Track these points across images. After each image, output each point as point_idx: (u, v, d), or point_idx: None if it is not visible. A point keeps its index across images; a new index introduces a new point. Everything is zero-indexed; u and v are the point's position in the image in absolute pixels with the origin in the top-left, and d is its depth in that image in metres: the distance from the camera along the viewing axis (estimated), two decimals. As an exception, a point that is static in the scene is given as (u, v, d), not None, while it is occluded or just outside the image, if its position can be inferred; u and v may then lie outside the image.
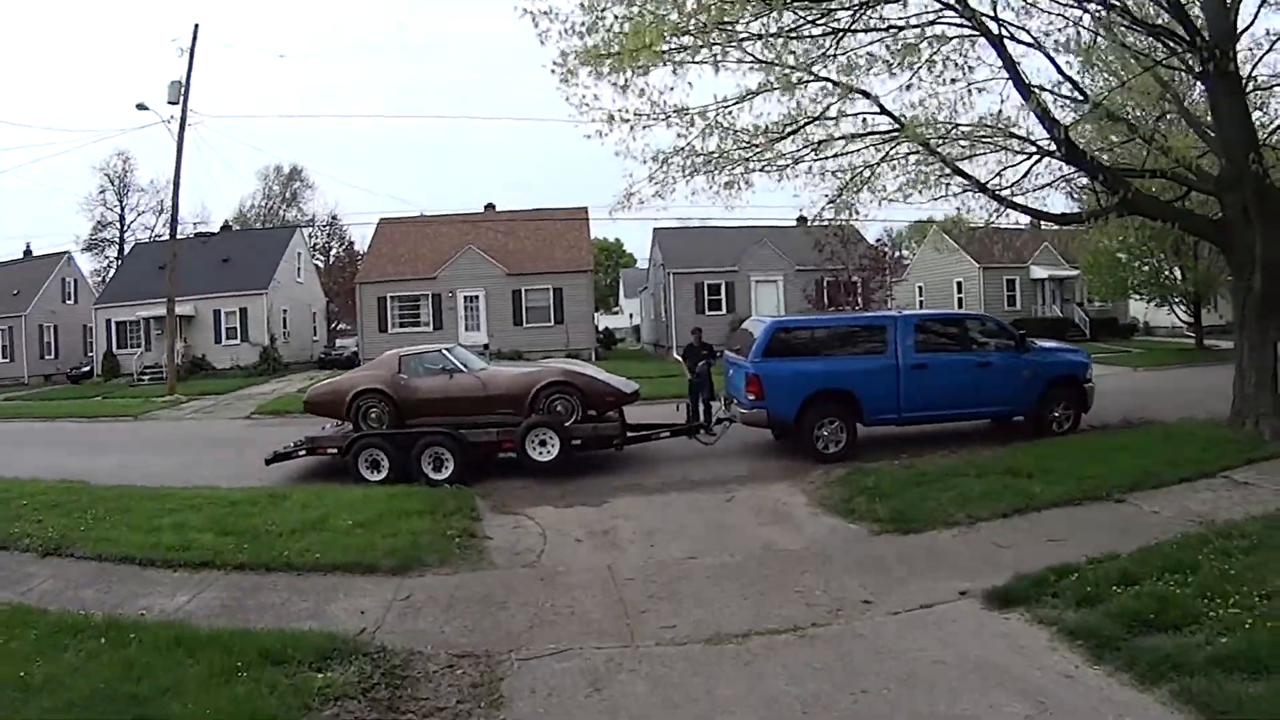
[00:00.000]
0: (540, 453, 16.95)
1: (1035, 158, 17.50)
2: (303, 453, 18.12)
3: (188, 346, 51.22)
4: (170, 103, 39.29)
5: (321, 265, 74.24)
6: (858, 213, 19.16)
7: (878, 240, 47.02)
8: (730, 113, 16.53)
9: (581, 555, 11.82)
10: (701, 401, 20.88)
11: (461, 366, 18.29)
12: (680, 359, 23.76)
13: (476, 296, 48.94)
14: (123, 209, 78.78)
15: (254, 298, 52.50)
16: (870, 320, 19.49)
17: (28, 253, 64.08)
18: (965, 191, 17.75)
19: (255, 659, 7.83)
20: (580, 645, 8.46)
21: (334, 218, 78.97)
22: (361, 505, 13.63)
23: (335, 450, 17.62)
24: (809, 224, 20.39)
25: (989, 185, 17.61)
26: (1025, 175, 17.91)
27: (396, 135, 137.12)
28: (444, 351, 18.78)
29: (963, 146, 17.36)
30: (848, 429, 17.30)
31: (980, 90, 15.95)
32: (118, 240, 77.17)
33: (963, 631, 8.38)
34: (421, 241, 52.19)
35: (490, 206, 55.63)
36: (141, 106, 39.51)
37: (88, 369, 54.88)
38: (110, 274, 68.52)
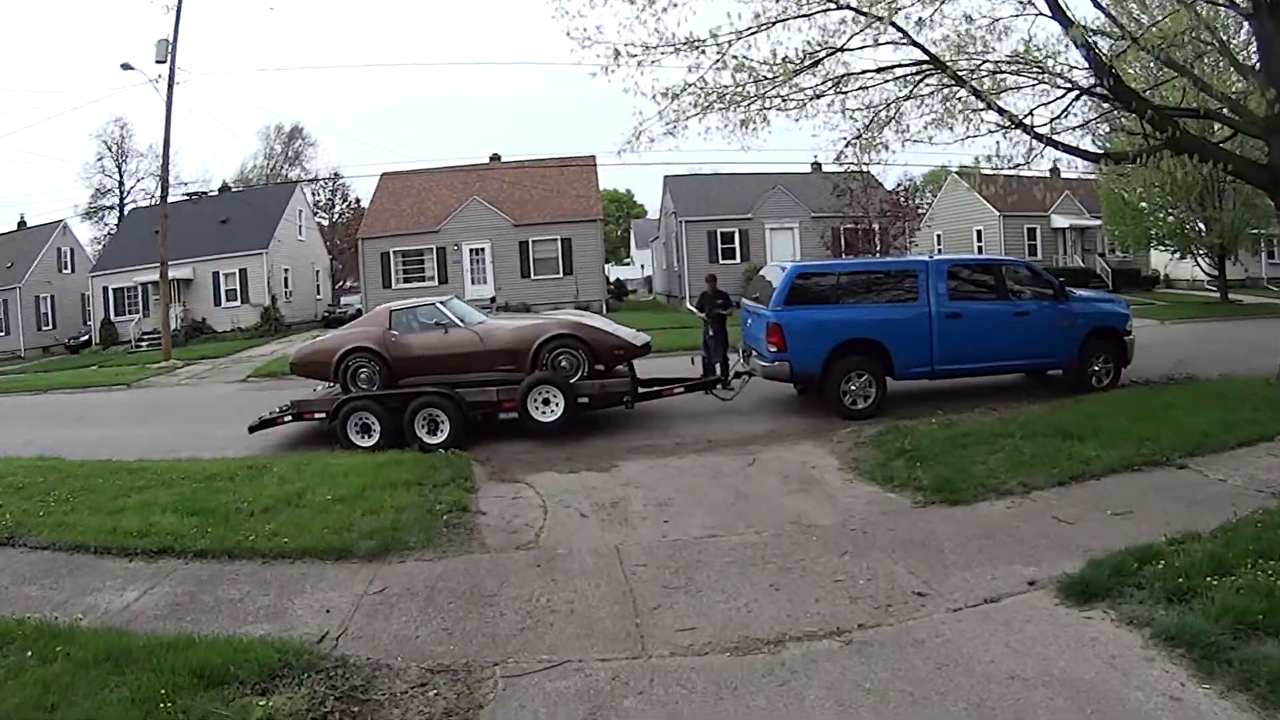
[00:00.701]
0: (544, 412, 15.66)
1: (1074, 94, 16.02)
2: (288, 419, 16.94)
3: (187, 310, 50.69)
4: (158, 61, 38.25)
5: (326, 223, 73.13)
6: (883, 151, 17.61)
7: (897, 186, 45.04)
8: (746, 44, 15.21)
9: (586, 533, 10.41)
10: (717, 354, 19.57)
11: (457, 320, 16.87)
12: (694, 309, 22.20)
13: (482, 249, 47.69)
14: (121, 175, 77.38)
15: (253, 258, 51.46)
16: (900, 265, 18.09)
17: (22, 224, 62.74)
18: (999, 130, 16.19)
19: (189, 681, 6.47)
20: (580, 657, 7.01)
21: (336, 174, 77.84)
22: (345, 476, 12.50)
23: (323, 415, 16.43)
24: (836, 162, 18.97)
25: (1025, 122, 16.03)
26: (1062, 114, 16.48)
27: (399, 91, 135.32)
28: (438, 305, 17.33)
29: (995, 81, 15.82)
30: (877, 383, 16.04)
31: (1006, 29, 14.64)
32: (117, 207, 75.79)
33: (1040, 635, 6.91)
34: (425, 194, 50.85)
35: (495, 158, 53.90)
36: (126, 66, 38.12)
37: (86, 338, 54.32)
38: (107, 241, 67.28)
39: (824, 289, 16.52)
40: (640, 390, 16.89)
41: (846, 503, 10.92)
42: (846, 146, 17.30)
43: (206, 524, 10.67)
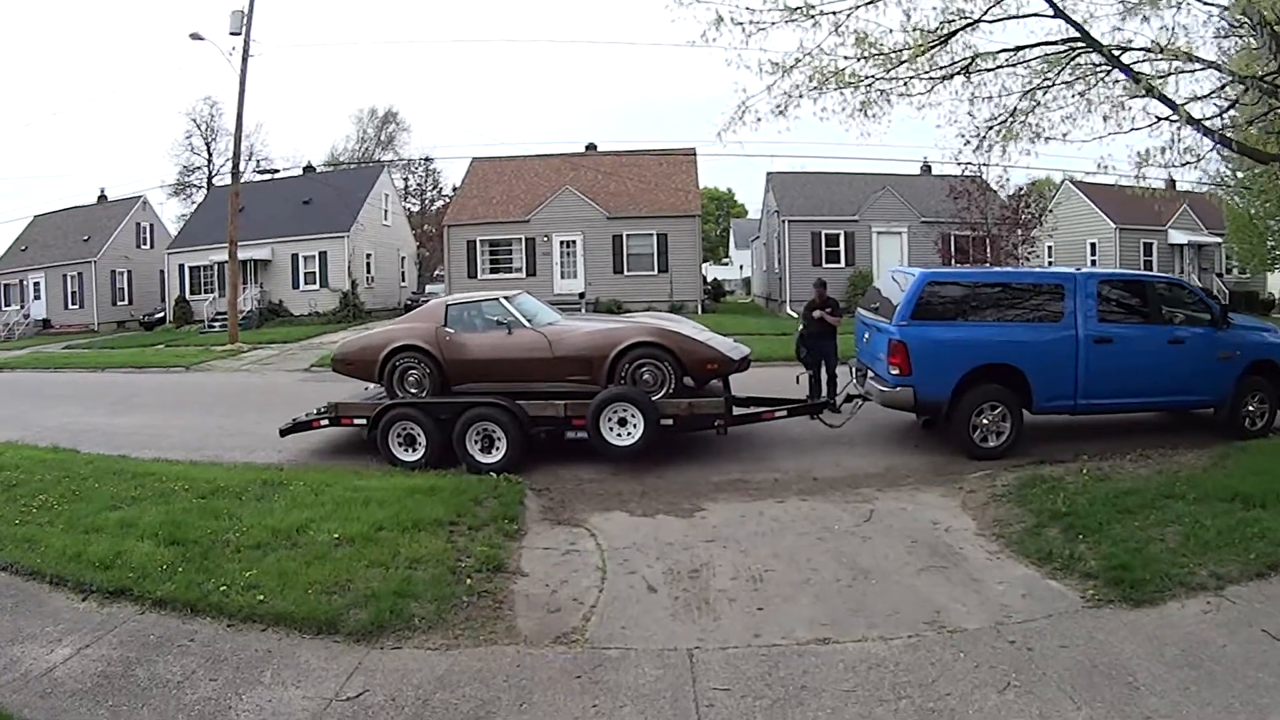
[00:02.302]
0: (619, 434, 13.26)
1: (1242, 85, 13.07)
2: (324, 422, 14.81)
3: (263, 291, 49.42)
4: (233, 33, 36.62)
5: (416, 209, 71.96)
6: (1016, 144, 14.94)
7: (1018, 189, 42.02)
8: (867, 12, 12.73)
9: (651, 618, 7.88)
10: (826, 371, 16.92)
11: (523, 320, 14.48)
12: (800, 316, 19.44)
13: (574, 241, 45.22)
14: (210, 153, 77.07)
15: (334, 241, 49.65)
16: (1044, 278, 15.21)
17: (103, 197, 62.21)
18: (1159, 122, 13.37)
19: None
20: None
21: (427, 158, 76.77)
22: (364, 506, 10.48)
23: (363, 421, 14.26)
24: (954, 161, 16.41)
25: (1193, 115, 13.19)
26: (1230, 107, 13.67)
27: (494, 74, 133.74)
28: (502, 300, 14.92)
29: (1154, 67, 13.03)
30: (1012, 417, 13.42)
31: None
32: (205, 185, 75.38)
33: None
34: (516, 182, 48.80)
35: (591, 147, 51.85)
36: (196, 36, 36.53)
37: (161, 315, 53.64)
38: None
39: (957, 302, 13.87)
40: (735, 413, 14.33)
41: (996, 592, 8.26)
42: (973, 142, 14.61)
43: (181, 559, 8.90)
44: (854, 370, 15.70)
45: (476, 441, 13.35)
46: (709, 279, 59.90)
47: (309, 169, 59.60)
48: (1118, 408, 14.25)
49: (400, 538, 9.44)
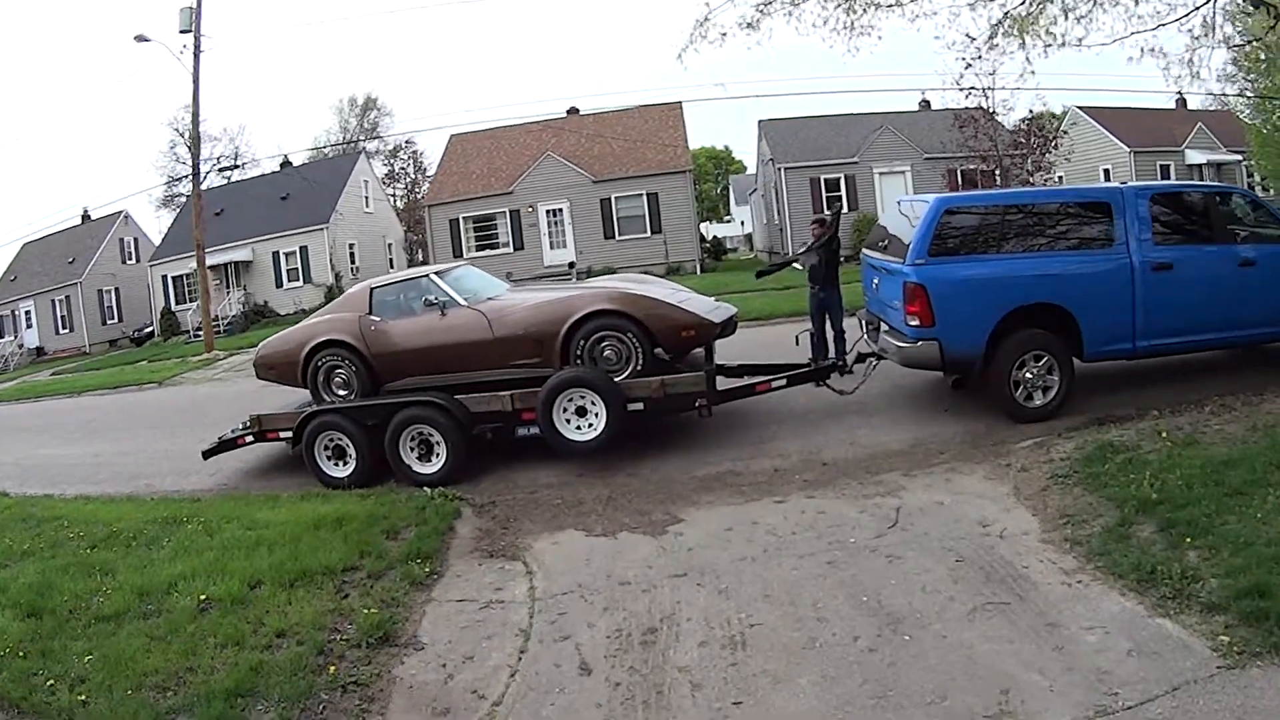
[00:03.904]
0: (578, 427, 10.89)
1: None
2: (249, 439, 12.68)
3: (247, 294, 48.08)
4: (182, 31, 35.45)
5: (402, 193, 70.07)
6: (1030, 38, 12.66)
7: (1028, 113, 39.51)
8: None
9: (579, 720, 5.49)
10: (831, 326, 14.15)
11: (458, 298, 12.03)
12: (800, 267, 16.58)
13: (560, 209, 43.07)
14: (196, 161, 74.52)
15: (314, 234, 47.98)
16: (1086, 195, 12.64)
17: (86, 217, 60.37)
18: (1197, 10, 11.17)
19: None
20: None
21: (407, 142, 74.70)
22: (254, 550, 8.66)
23: (288, 434, 12.07)
24: (957, 85, 13.98)
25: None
26: None
27: (469, 47, 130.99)
28: (432, 277, 12.48)
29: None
30: (1061, 368, 10.86)
31: None
32: (193, 194, 73.61)
33: None
34: (496, 155, 46.53)
35: (573, 111, 49.41)
36: (141, 39, 35.23)
37: (150, 330, 51.96)
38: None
39: (982, 232, 11.26)
40: (722, 388, 11.79)
41: (1088, 647, 5.60)
42: (979, 52, 12.16)
43: (31, 638, 7.35)
44: (864, 324, 13.09)
45: (412, 448, 11.31)
46: (708, 237, 58.19)
47: (286, 164, 57.55)
48: (1185, 347, 11.60)
49: (276, 597, 7.54)
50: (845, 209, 40.89)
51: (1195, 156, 47.54)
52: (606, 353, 11.09)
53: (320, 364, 12.21)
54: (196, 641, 6.84)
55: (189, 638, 6.90)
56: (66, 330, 55.48)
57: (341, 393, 12.13)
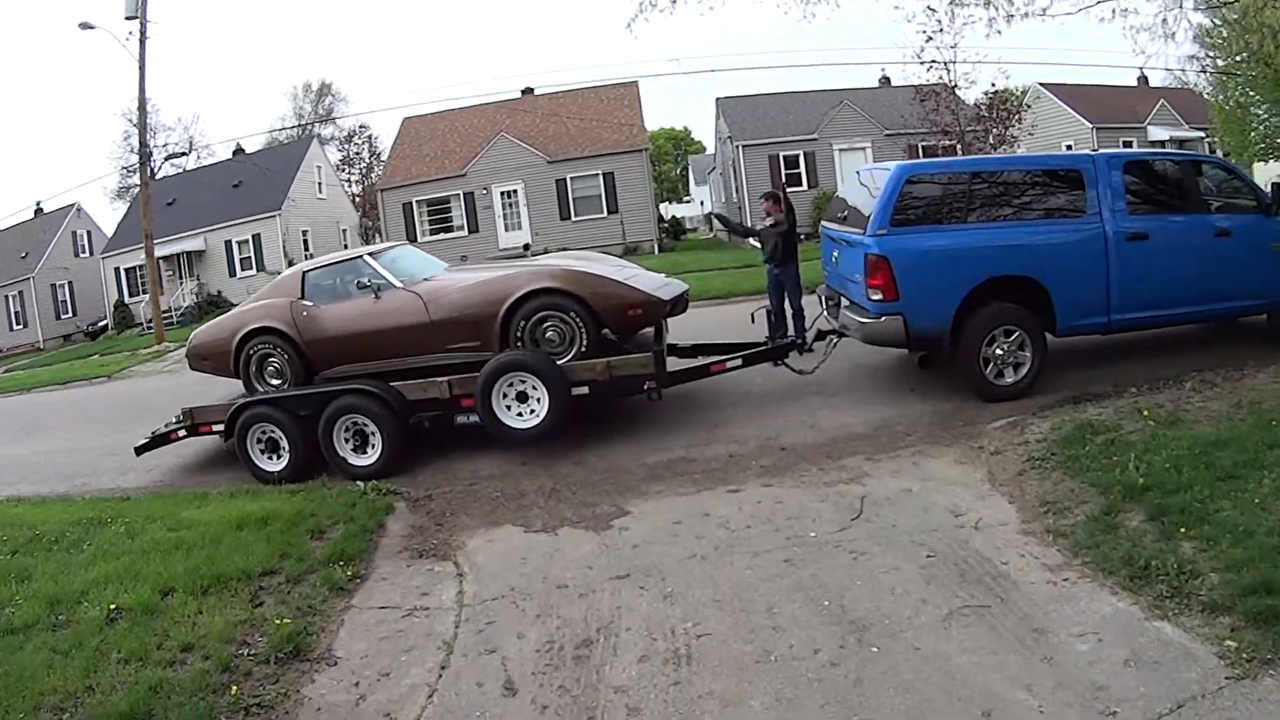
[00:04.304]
0: (519, 413, 10.23)
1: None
2: (182, 433, 11.86)
3: (200, 284, 47.43)
4: (128, 18, 34.07)
5: (359, 178, 70.17)
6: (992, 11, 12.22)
7: (991, 87, 39.08)
8: None
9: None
10: (789, 303, 13.64)
11: (394, 280, 11.30)
12: (755, 244, 16.02)
13: (515, 191, 42.43)
14: (150, 151, 73.25)
15: (266, 221, 47.18)
16: (1057, 162, 12.12)
17: (39, 211, 59.10)
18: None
19: None
20: None
21: (362, 127, 74.09)
22: (168, 556, 7.97)
23: (220, 427, 11.35)
24: (918, 58, 13.46)
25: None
26: None
27: (426, 31, 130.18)
28: (366, 258, 11.74)
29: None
30: (1033, 344, 10.29)
31: None
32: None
33: None
34: (450, 137, 45.76)
35: (528, 91, 48.52)
36: (85, 25, 33.94)
37: (105, 323, 51.05)
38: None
39: (947, 201, 10.62)
40: (673, 369, 11.09)
41: (1078, 657, 4.96)
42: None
43: None
44: (823, 299, 12.43)
45: (347, 440, 10.59)
46: (667, 217, 57.82)
47: (239, 151, 56.60)
48: (1161, 320, 11.09)
49: (187, 606, 6.90)
50: (805, 187, 41.08)
51: (1157, 133, 47.36)
52: (549, 334, 10.42)
53: (252, 353, 11.54)
54: (100, 657, 6.25)
55: (93, 653, 6.31)
56: (20, 326, 54.52)
57: (275, 382, 11.48)
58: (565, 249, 34.88)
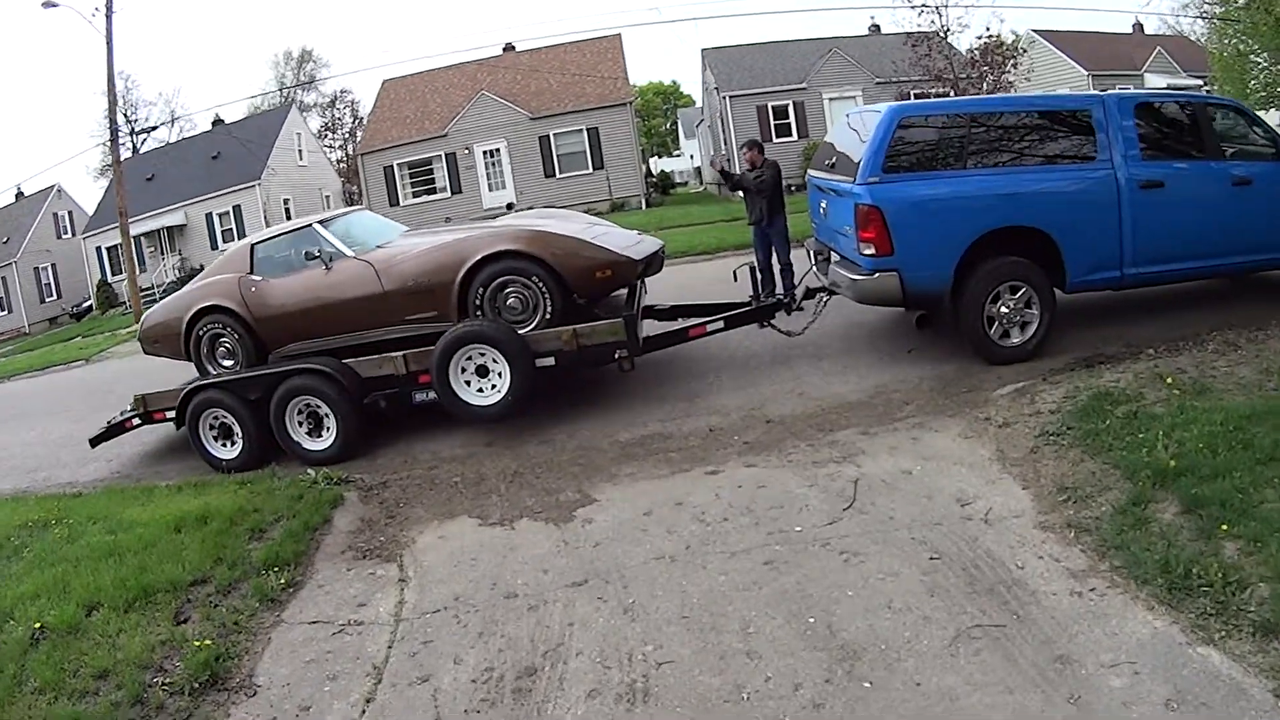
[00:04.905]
0: (479, 389, 9.43)
1: None
2: (136, 421, 11.23)
3: (183, 259, 46.11)
4: None
5: (341, 143, 69.83)
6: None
7: (985, 32, 38.29)
8: None
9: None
10: (777, 259, 12.88)
11: (345, 249, 10.45)
12: (743, 195, 15.03)
13: (497, 149, 41.50)
14: (132, 128, 71.36)
15: (246, 191, 46.10)
16: (1063, 103, 11.06)
17: (20, 195, 58.24)
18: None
19: None
20: None
21: (344, 91, 73.76)
22: (99, 564, 7.28)
23: (173, 414, 10.69)
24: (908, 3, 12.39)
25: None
26: None
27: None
28: (316, 227, 10.86)
29: None
30: (1041, 301, 9.41)
31: None
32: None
33: None
34: (430, 98, 44.84)
35: (510, 48, 47.53)
36: (48, 3, 33.07)
37: (89, 304, 50.16)
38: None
39: (944, 145, 9.72)
40: (646, 338, 10.21)
41: (1111, 692, 4.13)
42: None
43: None
44: (812, 254, 11.55)
45: (301, 423, 9.90)
46: (655, 171, 57.14)
47: (218, 122, 55.65)
48: (1176, 275, 10.20)
49: (110, 624, 6.24)
50: (795, 137, 40.63)
51: (1155, 80, 46.40)
52: (510, 301, 9.56)
53: (202, 334, 10.78)
54: (16, 687, 5.64)
55: (10, 682, 5.68)
56: (4, 312, 53.74)
57: (227, 363, 10.74)
58: (551, 206, 34.25)
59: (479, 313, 9.55)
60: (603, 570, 5.95)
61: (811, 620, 4.97)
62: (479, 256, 9.50)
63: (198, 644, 5.68)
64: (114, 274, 47.81)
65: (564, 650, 5.07)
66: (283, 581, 6.52)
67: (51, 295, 55.05)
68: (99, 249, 48.81)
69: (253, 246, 11.03)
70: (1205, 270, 10.27)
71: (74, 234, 55.78)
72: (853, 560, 5.56)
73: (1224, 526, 5.08)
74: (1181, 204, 9.58)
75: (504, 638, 5.32)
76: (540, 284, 9.42)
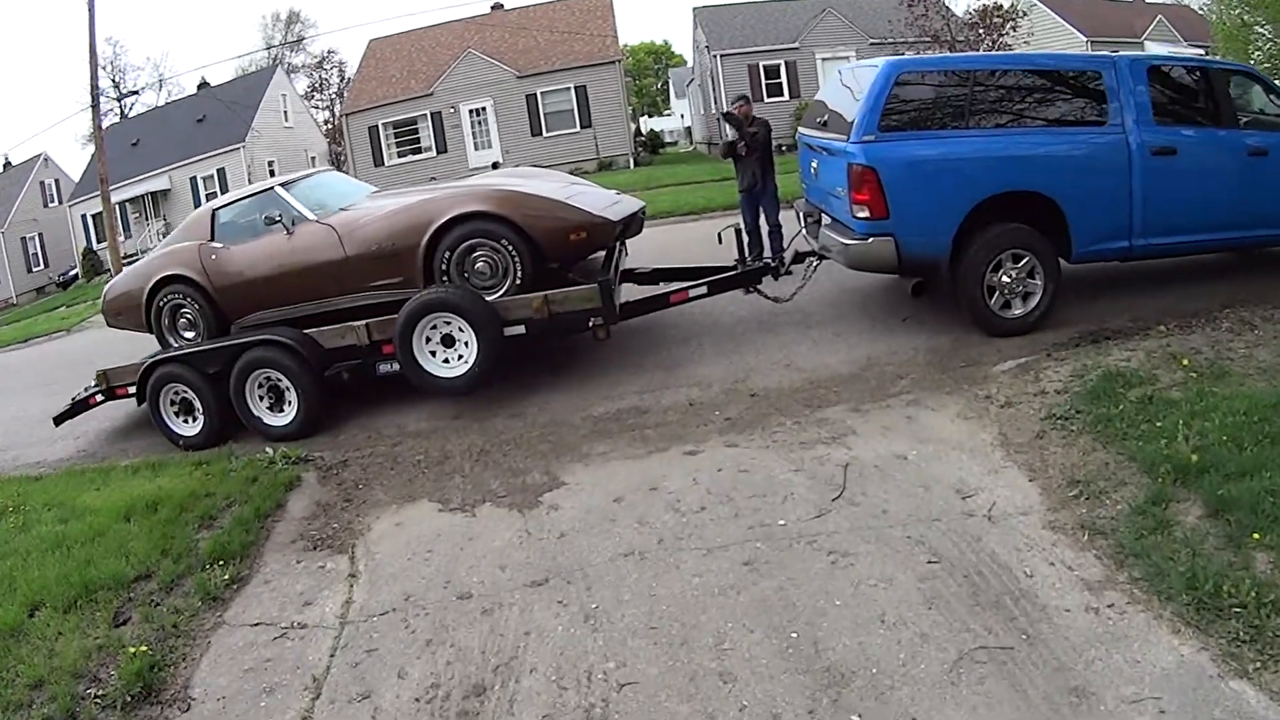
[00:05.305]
0: (445, 359, 8.95)
1: None
2: (100, 398, 10.85)
3: (167, 224, 45.19)
4: None
5: (327, 104, 69.59)
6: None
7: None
8: None
9: None
10: (765, 221, 12.36)
11: (307, 212, 9.89)
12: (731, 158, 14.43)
13: (484, 108, 40.94)
14: (120, 93, 71.48)
15: (230, 154, 45.84)
16: (1072, 63, 10.45)
17: (7, 165, 58.07)
18: None
19: None
20: None
21: (331, 52, 73.50)
22: (46, 558, 6.82)
23: (134, 389, 10.20)
24: None
25: None
26: None
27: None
28: (278, 190, 10.30)
29: None
30: (1045, 271, 8.93)
31: None
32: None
33: None
34: (417, 56, 44.20)
35: (498, 6, 46.97)
36: None
37: (75, 272, 49.72)
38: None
39: (943, 104, 9.16)
40: (623, 304, 9.68)
41: None
42: None
43: None
44: (802, 216, 10.97)
45: (261, 397, 9.44)
46: (644, 130, 56.64)
47: (203, 85, 55.17)
48: (1187, 247, 9.72)
49: (50, 626, 5.82)
50: (787, 97, 40.22)
51: (1155, 49, 44.82)
52: (479, 265, 9.03)
53: (163, 304, 10.34)
54: None
55: None
56: (-8, 285, 53.27)
57: (189, 335, 10.31)
58: (535, 165, 33.79)
59: (445, 278, 9.03)
60: (565, 568, 5.44)
61: (794, 635, 4.43)
62: (446, 218, 8.97)
63: (133, 650, 5.25)
64: (99, 241, 47.09)
65: (517, 665, 4.57)
66: (227, 577, 6.08)
67: (39, 265, 54.68)
68: (84, 216, 48.47)
69: (214, 212, 10.51)
70: (1216, 243, 9.84)
71: (60, 202, 55.33)
72: (841, 562, 5.02)
73: (1255, 535, 4.57)
74: (1194, 173, 9.13)
75: (454, 647, 4.82)
76: (510, 247, 8.88)
